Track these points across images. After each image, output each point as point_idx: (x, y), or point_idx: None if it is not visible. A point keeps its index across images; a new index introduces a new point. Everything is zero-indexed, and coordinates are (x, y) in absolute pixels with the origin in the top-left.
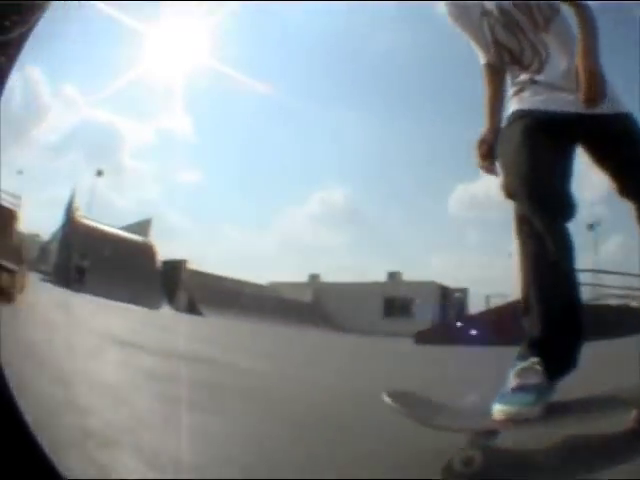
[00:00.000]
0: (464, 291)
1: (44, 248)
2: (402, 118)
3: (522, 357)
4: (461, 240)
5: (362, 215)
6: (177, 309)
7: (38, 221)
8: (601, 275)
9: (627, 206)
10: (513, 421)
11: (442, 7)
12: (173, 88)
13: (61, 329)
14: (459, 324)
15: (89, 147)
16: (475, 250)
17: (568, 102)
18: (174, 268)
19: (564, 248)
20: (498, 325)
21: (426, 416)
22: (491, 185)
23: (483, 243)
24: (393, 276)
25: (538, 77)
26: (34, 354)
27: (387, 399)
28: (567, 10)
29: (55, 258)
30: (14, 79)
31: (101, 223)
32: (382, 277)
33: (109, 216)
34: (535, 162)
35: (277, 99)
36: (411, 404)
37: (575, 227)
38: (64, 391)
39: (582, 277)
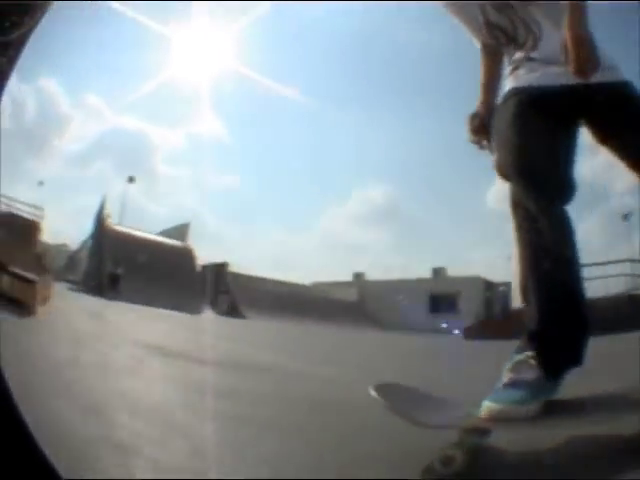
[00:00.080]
0: (508, 285)
1: (72, 257)
2: (439, 114)
3: (519, 350)
4: (501, 234)
5: (403, 212)
6: (219, 313)
7: (65, 231)
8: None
9: None
10: (499, 420)
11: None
12: (200, 92)
13: (93, 340)
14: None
15: (118, 155)
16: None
17: (560, 75)
18: (215, 272)
19: (562, 233)
20: None
21: (407, 410)
22: None
23: None
24: (438, 272)
25: (533, 54)
26: (59, 373)
27: (373, 392)
28: None
29: (85, 266)
30: (26, 90)
31: (135, 229)
32: (427, 273)
33: (143, 222)
34: (527, 139)
35: (305, 101)
36: (395, 397)
37: (610, 218)
38: (98, 422)
39: (619, 268)
